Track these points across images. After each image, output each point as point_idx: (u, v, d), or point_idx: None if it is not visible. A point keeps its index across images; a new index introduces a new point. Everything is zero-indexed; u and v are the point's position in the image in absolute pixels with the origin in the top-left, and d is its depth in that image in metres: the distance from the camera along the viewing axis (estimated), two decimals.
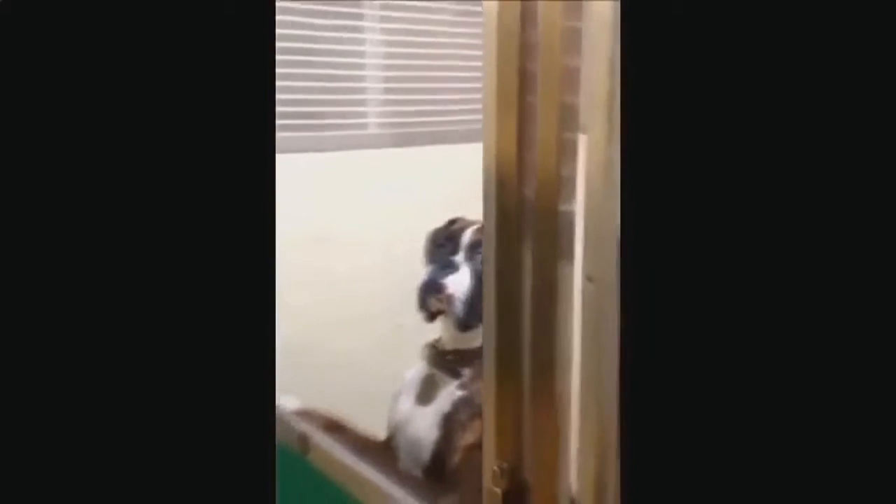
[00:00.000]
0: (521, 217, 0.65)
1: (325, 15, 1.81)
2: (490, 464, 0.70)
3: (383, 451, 1.23)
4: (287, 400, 1.19)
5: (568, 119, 0.62)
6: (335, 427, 1.19)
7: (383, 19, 1.85)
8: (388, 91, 1.89)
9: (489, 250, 0.68)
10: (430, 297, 1.18)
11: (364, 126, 1.89)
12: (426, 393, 1.20)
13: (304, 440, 0.97)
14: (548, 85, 0.61)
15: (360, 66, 1.88)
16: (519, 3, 0.62)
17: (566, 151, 0.62)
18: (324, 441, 0.97)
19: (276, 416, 1.04)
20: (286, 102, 1.75)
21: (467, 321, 1.14)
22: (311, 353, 1.61)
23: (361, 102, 1.88)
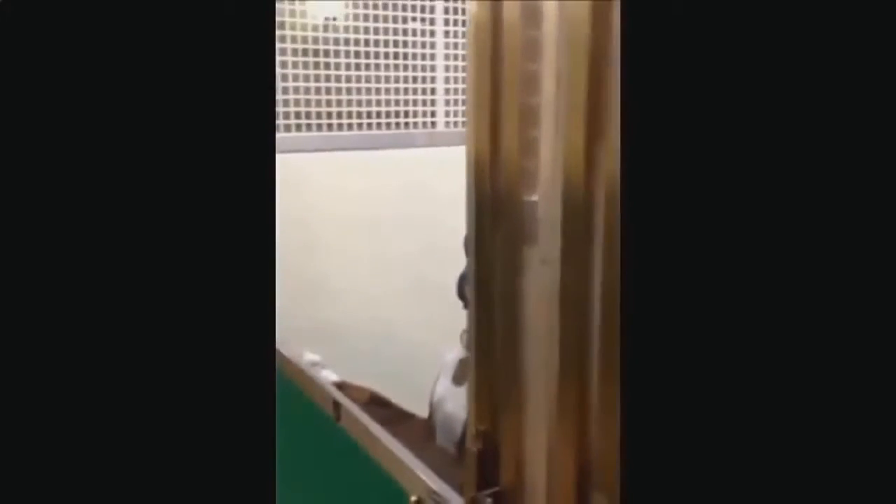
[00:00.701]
0: (495, 207, 0.73)
1: (402, 20, 1.92)
2: (472, 427, 0.78)
3: (423, 428, 1.32)
4: (327, 373, 1.31)
5: (531, 118, 0.69)
6: (377, 401, 1.30)
7: (447, 22, 1.95)
8: (451, 92, 1.98)
9: (470, 238, 0.76)
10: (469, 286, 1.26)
11: (434, 125, 1.99)
12: (461, 374, 1.28)
13: (337, 407, 1.08)
14: (511, 86, 0.69)
15: (433, 69, 1.99)
16: (489, 8, 0.70)
17: (530, 148, 0.69)
18: (356, 411, 1.07)
19: (316, 385, 1.16)
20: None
21: None
22: (358, 332, 1.73)
23: (432, 102, 1.98)
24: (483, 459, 0.75)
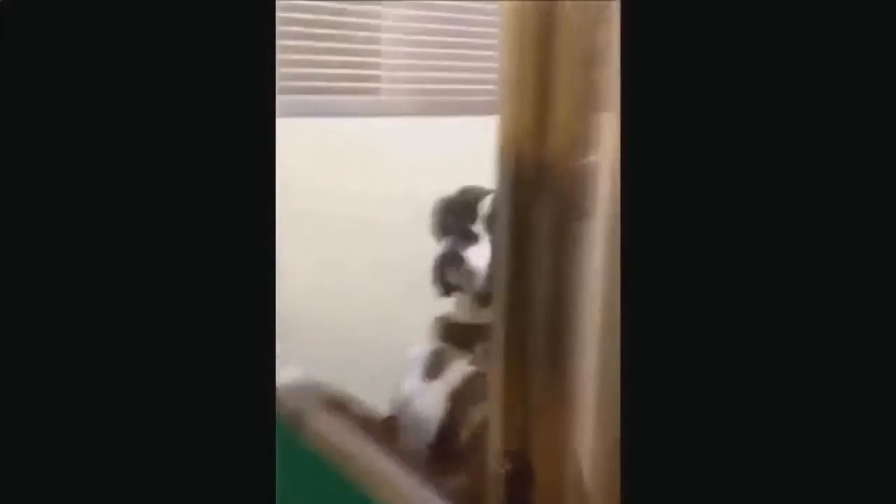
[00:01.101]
0: (536, 172, 0.59)
1: None
2: (495, 445, 0.65)
3: (384, 430, 1.18)
4: (286, 371, 1.14)
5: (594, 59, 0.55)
6: (336, 404, 1.15)
7: None
8: (404, 57, 1.83)
9: (501, 213, 0.62)
10: (449, 270, 1.12)
11: (377, 92, 1.82)
12: (434, 368, 1.14)
13: (298, 416, 0.93)
14: (569, 24, 0.55)
15: (377, 28, 1.82)
16: None
17: (589, 96, 0.55)
18: (320, 419, 0.93)
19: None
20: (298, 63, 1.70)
21: (488, 295, 1.08)
22: (313, 325, 1.58)
23: (376, 66, 1.81)
24: (513, 483, 0.62)
